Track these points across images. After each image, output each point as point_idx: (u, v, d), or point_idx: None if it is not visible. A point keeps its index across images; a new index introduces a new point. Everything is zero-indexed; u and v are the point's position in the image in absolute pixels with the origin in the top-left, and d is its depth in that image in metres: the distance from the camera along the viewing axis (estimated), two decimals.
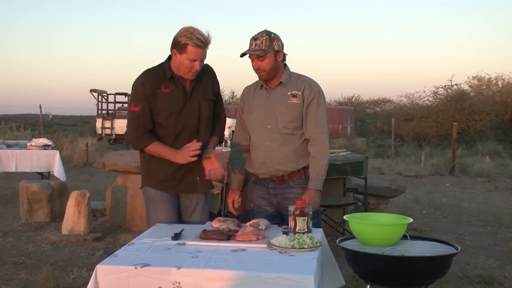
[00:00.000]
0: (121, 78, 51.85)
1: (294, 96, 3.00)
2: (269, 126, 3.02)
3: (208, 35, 2.80)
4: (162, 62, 2.95)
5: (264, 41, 2.90)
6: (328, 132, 3.06)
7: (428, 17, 54.39)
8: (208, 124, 3.02)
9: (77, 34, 67.22)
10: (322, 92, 3.06)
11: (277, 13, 59.35)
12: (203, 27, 2.82)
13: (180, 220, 3.04)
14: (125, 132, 3.11)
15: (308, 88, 3.01)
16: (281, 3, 61.74)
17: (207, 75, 3.00)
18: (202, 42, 2.77)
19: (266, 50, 2.90)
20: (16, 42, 64.68)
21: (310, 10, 58.59)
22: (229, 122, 7.03)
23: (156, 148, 2.90)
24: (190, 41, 2.75)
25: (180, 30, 2.81)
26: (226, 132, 7.06)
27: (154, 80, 2.88)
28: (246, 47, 2.96)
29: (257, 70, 2.97)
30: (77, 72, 62.42)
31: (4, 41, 60.33)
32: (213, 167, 2.94)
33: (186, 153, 2.84)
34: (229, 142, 7.01)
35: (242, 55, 2.95)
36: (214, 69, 3.06)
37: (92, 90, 18.68)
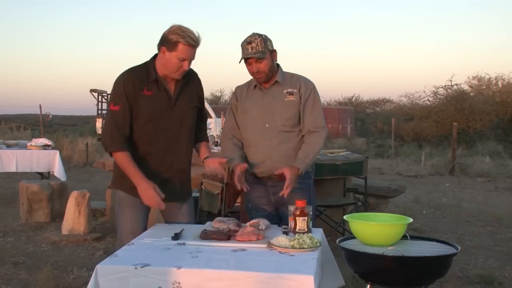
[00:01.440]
0: None
1: (291, 94, 3.02)
2: (267, 125, 3.03)
3: (198, 35, 2.71)
4: (146, 62, 2.81)
5: (259, 43, 2.91)
6: (326, 127, 3.09)
7: (428, 17, 54.46)
8: (191, 132, 2.92)
9: (77, 34, 67.28)
10: (316, 89, 3.09)
11: (276, 13, 59.40)
12: (194, 28, 2.72)
13: (146, 227, 2.92)
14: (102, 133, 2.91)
15: (304, 85, 3.04)
16: (281, 3, 61.77)
17: (192, 81, 2.90)
18: (194, 41, 2.69)
19: (264, 51, 2.92)
20: (17, 42, 64.72)
21: (310, 9, 58.61)
22: None
23: (123, 160, 2.72)
24: (182, 39, 2.65)
25: (171, 28, 2.71)
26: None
27: (137, 81, 2.73)
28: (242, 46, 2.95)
29: (256, 73, 2.98)
30: (77, 72, 62.47)
31: (4, 41, 60.37)
32: (215, 165, 2.88)
33: (153, 199, 2.66)
34: None
35: (242, 60, 2.95)
36: (198, 75, 2.97)
37: (92, 90, 18.66)
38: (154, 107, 2.76)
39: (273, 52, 2.99)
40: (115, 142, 2.73)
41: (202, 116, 3.04)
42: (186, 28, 2.70)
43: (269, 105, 3.03)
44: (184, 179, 2.95)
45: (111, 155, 2.79)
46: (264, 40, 2.93)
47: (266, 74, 2.98)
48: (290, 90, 3.03)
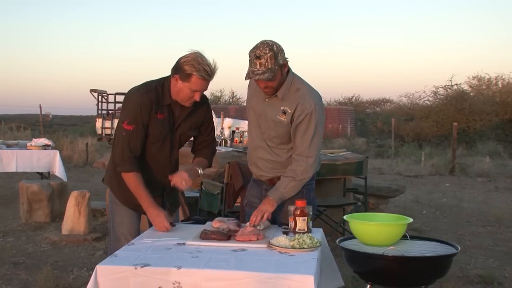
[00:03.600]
0: (121, 78, 51.92)
1: (284, 113, 2.82)
2: (258, 135, 2.95)
3: (215, 66, 2.63)
4: (163, 80, 2.75)
5: (268, 59, 2.63)
6: (316, 154, 2.86)
7: (428, 17, 54.47)
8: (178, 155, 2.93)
9: (77, 34, 67.27)
10: (318, 109, 2.79)
11: (276, 13, 59.42)
12: (210, 55, 2.63)
13: (139, 224, 2.94)
14: (113, 150, 2.81)
15: (300, 108, 2.77)
16: (281, 2, 61.80)
17: (201, 107, 2.83)
18: (208, 75, 2.61)
19: (273, 68, 2.65)
20: (16, 42, 64.74)
21: (310, 9, 58.65)
22: (229, 122, 7.01)
23: (133, 181, 2.69)
24: (196, 72, 2.58)
25: (186, 57, 2.62)
26: (226, 132, 7.06)
27: (152, 105, 2.69)
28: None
29: (264, 88, 2.79)
30: (77, 72, 62.44)
31: (4, 41, 60.40)
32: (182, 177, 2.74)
33: (163, 224, 2.65)
34: (229, 142, 7.00)
35: (248, 78, 2.75)
36: (208, 100, 2.93)
37: (92, 90, 18.68)
38: (162, 130, 2.75)
39: (283, 66, 2.73)
40: (125, 163, 2.70)
41: (209, 135, 2.95)
42: (202, 60, 2.60)
43: (263, 116, 2.89)
44: (173, 197, 2.99)
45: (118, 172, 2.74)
46: (275, 55, 2.65)
47: (274, 89, 2.79)
48: (285, 109, 2.80)
